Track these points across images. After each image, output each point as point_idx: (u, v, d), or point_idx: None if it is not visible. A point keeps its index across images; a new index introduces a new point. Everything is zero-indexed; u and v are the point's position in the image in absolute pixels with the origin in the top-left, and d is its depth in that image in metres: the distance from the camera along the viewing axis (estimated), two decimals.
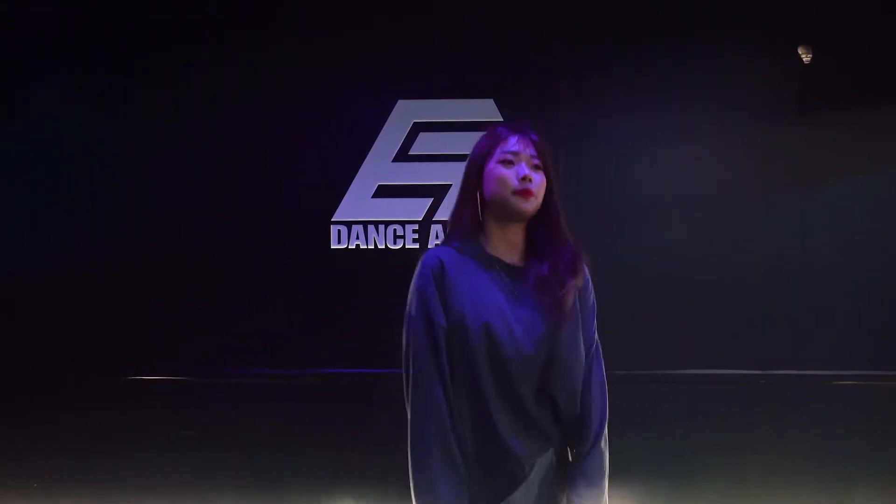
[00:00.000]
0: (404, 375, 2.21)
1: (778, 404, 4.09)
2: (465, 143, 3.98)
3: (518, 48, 4.20)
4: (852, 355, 4.11)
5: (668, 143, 4.19)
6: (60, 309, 4.25)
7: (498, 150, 2.25)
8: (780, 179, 4.17)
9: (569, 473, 2.24)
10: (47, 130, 4.30)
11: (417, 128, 4.20)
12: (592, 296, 2.33)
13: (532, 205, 2.22)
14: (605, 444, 2.27)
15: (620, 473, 3.90)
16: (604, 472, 2.25)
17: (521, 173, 2.20)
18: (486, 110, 4.16)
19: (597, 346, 2.33)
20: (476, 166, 2.28)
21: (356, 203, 4.20)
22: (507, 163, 2.23)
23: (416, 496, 2.14)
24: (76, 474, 4.23)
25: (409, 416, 2.19)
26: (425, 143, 4.19)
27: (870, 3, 4.16)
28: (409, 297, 2.24)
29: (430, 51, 4.21)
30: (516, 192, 2.20)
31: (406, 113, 4.20)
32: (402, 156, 4.20)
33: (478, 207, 2.27)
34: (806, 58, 4.11)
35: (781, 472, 4.07)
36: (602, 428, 2.27)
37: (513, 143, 2.25)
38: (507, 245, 2.27)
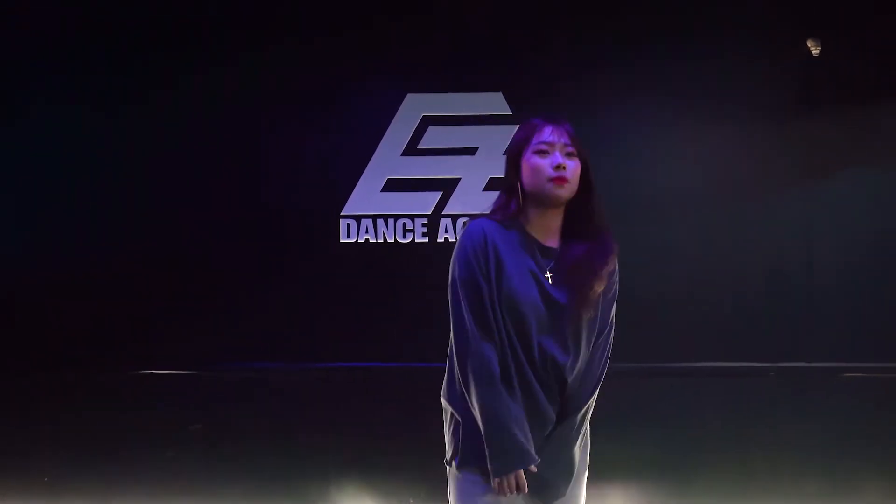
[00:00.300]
0: (453, 334, 2.39)
1: (788, 395, 4.14)
2: (475, 136, 4.13)
3: (528, 41, 4.21)
4: (859, 348, 4.14)
5: (678, 140, 4.23)
6: (61, 308, 4.25)
7: (533, 141, 2.40)
8: (784, 177, 4.20)
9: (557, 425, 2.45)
10: (47, 130, 4.29)
11: (426, 121, 4.20)
12: (616, 284, 2.53)
13: (567, 191, 2.39)
14: (591, 405, 2.52)
15: (636, 460, 4.06)
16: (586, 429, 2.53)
17: (555, 162, 2.36)
18: (495, 104, 4.17)
19: (611, 327, 2.52)
20: (514, 157, 2.44)
21: (365, 197, 4.19)
22: (541, 153, 2.38)
23: (498, 446, 2.31)
24: (82, 471, 4.24)
25: (459, 374, 2.37)
26: (434, 137, 4.19)
27: (870, 1, 4.19)
28: (453, 262, 2.42)
29: (439, 45, 4.22)
30: (551, 180, 2.36)
31: (415, 107, 4.20)
32: (412, 149, 4.19)
33: (519, 196, 2.42)
34: (815, 50, 4.13)
35: (791, 459, 4.11)
36: (593, 394, 2.50)
37: (547, 133, 2.40)
38: (545, 228, 2.44)
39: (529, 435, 2.35)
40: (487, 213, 2.47)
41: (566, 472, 2.44)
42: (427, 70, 4.24)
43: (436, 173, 4.17)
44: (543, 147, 2.38)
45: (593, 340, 2.47)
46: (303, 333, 4.12)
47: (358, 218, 4.20)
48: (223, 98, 4.25)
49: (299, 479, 4.17)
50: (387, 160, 4.19)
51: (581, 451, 2.50)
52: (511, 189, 2.44)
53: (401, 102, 4.22)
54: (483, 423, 2.32)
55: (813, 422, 4.11)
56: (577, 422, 2.45)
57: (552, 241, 2.45)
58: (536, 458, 2.34)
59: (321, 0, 4.27)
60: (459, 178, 4.16)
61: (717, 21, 4.19)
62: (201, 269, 4.24)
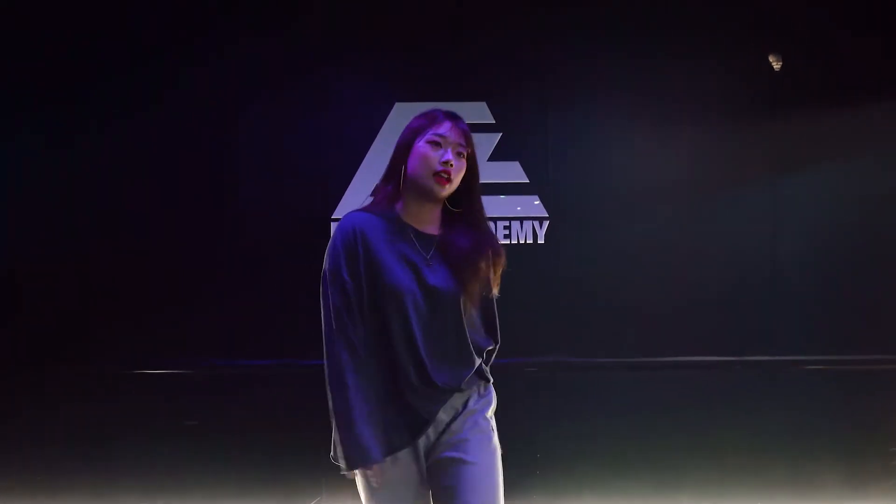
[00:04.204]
0: (323, 329, 2.34)
1: (752, 387, 4.27)
2: None
3: (510, 53, 4.31)
4: (819, 341, 4.30)
5: (651, 141, 4.36)
6: (55, 306, 4.30)
7: (430, 131, 2.35)
8: (748, 177, 4.35)
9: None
10: (38, 131, 4.34)
11: None
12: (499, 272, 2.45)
13: (446, 190, 2.35)
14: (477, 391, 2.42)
15: (605, 452, 4.18)
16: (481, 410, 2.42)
17: (445, 157, 2.32)
18: (479, 112, 4.28)
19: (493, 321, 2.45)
20: (406, 141, 2.39)
21: (356, 201, 4.15)
22: (435, 144, 2.34)
23: (341, 442, 2.31)
24: (76, 468, 4.27)
25: (326, 366, 2.33)
26: None
27: (836, 10, 4.36)
28: (325, 257, 2.38)
29: (427, 56, 4.31)
30: (436, 174, 2.32)
31: (403, 115, 4.21)
32: None
33: (400, 182, 2.38)
34: (777, 65, 4.30)
35: (755, 447, 4.25)
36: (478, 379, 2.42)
37: (445, 128, 2.36)
38: (421, 218, 2.40)
39: (382, 431, 2.28)
40: (363, 207, 2.43)
41: (462, 460, 2.33)
42: (415, 80, 4.32)
43: None
44: (438, 139, 2.34)
45: (480, 325, 2.41)
46: (297, 332, 4.07)
47: None
48: (234, 100, 4.33)
49: (291, 474, 4.22)
50: (376, 166, 4.21)
51: (479, 433, 2.37)
52: (392, 175, 2.39)
53: (390, 110, 4.30)
54: (334, 420, 2.31)
55: (776, 412, 4.24)
56: (461, 405, 2.37)
57: (431, 229, 2.39)
58: (379, 457, 2.26)
59: (313, 11, 4.34)
60: None
61: (692, 29, 4.35)
62: (200, 269, 4.30)
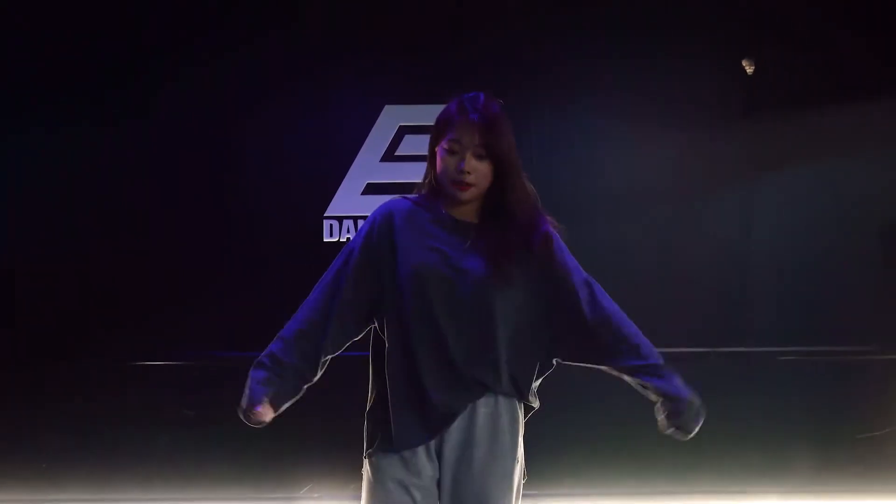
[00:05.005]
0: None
1: (727, 378, 4.31)
2: None
3: (498, 56, 4.39)
4: (793, 333, 4.40)
5: (648, 137, 4.45)
6: (58, 301, 4.36)
7: (446, 137, 2.21)
8: (727, 176, 4.45)
9: (659, 394, 2.31)
10: (43, 131, 4.39)
11: (403, 130, 4.40)
12: (562, 255, 2.31)
13: (469, 195, 2.21)
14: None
15: (585, 444, 4.24)
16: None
17: (460, 166, 2.17)
18: None
19: (591, 286, 2.38)
20: (432, 143, 2.28)
21: (347, 199, 4.38)
22: (451, 151, 2.19)
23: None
24: (79, 457, 4.31)
25: None
26: (410, 145, 4.37)
27: (813, 10, 4.43)
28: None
29: (415, 60, 4.39)
30: (454, 183, 2.19)
31: (393, 117, 4.39)
32: (389, 156, 4.40)
33: (433, 181, 2.28)
34: (749, 69, 4.39)
35: (730, 435, 4.22)
36: (651, 348, 2.35)
37: (458, 129, 2.19)
38: (460, 210, 2.27)
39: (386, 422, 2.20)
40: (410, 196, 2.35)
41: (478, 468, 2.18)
42: (404, 83, 4.41)
43: (412, 178, 3.99)
44: (453, 146, 2.18)
45: (523, 313, 2.25)
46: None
47: (340, 219, 4.38)
48: (223, 106, 4.39)
49: (289, 463, 4.26)
50: (367, 166, 4.38)
51: (501, 438, 2.22)
52: (427, 173, 2.31)
53: (379, 112, 4.40)
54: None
55: (750, 401, 4.30)
56: (494, 404, 2.22)
57: (470, 218, 2.27)
58: (259, 401, 2.26)
59: (305, 15, 4.41)
60: None
61: (690, 29, 4.43)
62: (194, 264, 4.35)
